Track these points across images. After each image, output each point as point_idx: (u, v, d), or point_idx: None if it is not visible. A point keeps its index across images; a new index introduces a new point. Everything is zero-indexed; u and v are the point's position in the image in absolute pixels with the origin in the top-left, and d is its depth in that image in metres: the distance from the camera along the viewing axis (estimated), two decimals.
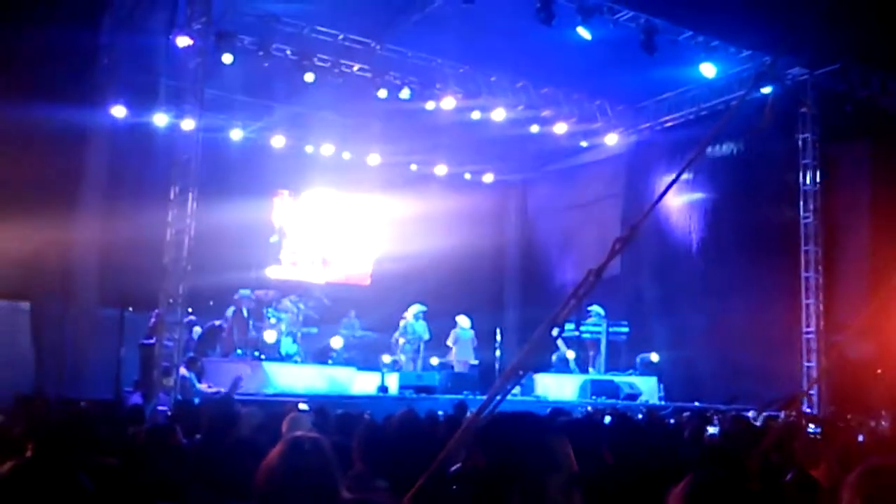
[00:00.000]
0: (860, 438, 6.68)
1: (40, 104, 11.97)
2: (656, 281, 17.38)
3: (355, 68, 15.26)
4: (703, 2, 12.88)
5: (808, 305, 14.95)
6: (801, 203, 15.15)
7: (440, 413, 8.15)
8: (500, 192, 21.72)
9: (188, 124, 12.06)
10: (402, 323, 16.42)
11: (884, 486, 2.43)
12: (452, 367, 15.98)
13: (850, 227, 14.98)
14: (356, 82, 15.38)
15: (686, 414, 11.11)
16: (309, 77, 14.74)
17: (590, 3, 12.94)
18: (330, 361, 15.32)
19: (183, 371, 11.76)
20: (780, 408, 12.11)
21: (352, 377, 14.46)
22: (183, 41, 12.48)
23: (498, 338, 16.63)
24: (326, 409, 7.89)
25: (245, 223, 16.66)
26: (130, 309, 14.47)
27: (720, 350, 15.42)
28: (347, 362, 15.40)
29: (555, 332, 2.07)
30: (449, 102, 16.08)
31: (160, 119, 15.34)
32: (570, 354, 16.48)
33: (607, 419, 7.34)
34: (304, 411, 7.13)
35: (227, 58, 13.66)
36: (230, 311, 14.84)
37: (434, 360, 16.29)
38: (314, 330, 15.94)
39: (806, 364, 14.74)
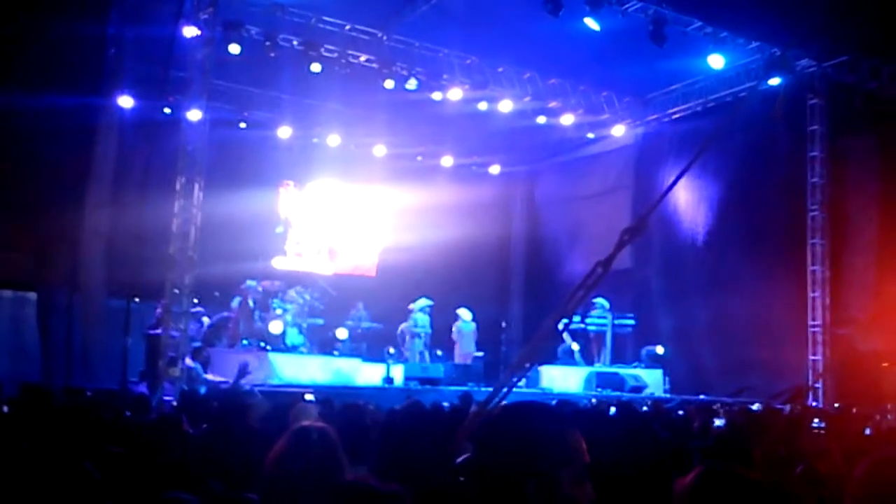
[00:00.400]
0: (867, 432, 6.66)
1: (48, 95, 12.00)
2: (663, 273, 17.35)
3: (362, 59, 15.24)
4: None
5: (814, 299, 14.90)
6: (809, 196, 15.10)
7: (445, 404, 8.16)
8: (507, 184, 21.69)
9: (195, 115, 12.07)
10: (410, 315, 16.47)
11: (890, 478, 2.42)
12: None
13: (857, 221, 14.90)
14: (363, 73, 15.35)
15: (690, 407, 11.10)
16: (315, 67, 14.71)
17: None
18: (335, 352, 15.35)
19: (189, 361, 11.80)
20: (785, 401, 12.13)
21: (357, 368, 14.49)
22: (190, 32, 12.49)
23: (503, 329, 16.63)
24: (331, 399, 7.90)
25: (251, 214, 16.69)
26: (137, 299, 14.49)
27: (726, 343, 15.40)
28: (353, 353, 15.42)
29: (562, 323, 2.06)
30: (455, 93, 16.04)
31: (167, 110, 15.33)
32: (576, 347, 16.48)
33: (612, 410, 7.33)
34: (310, 402, 7.13)
35: (234, 48, 13.65)
36: (236, 302, 14.87)
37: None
38: (320, 321, 15.97)
39: (812, 357, 14.71)
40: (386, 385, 13.95)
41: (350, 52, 15.04)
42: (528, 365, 2.07)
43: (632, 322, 16.85)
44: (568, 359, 16.28)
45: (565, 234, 19.82)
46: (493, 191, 21.03)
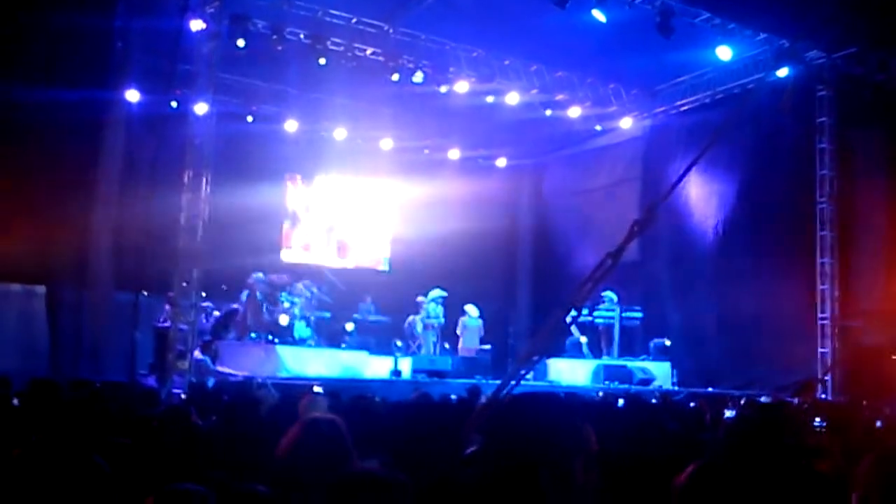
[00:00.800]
0: (878, 425, 6.63)
1: (55, 88, 12.00)
2: (671, 266, 17.31)
3: (368, 52, 15.22)
4: None
5: (822, 291, 14.87)
6: (817, 188, 15.04)
7: (453, 397, 8.17)
8: (514, 177, 21.65)
9: (201, 108, 12.09)
10: (423, 305, 16.45)
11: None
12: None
13: (866, 213, 14.84)
14: (369, 66, 15.32)
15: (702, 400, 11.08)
16: (322, 61, 14.70)
17: None
18: (343, 345, 15.38)
19: (197, 354, 11.84)
20: (794, 394, 12.09)
21: (365, 361, 14.51)
22: (196, 25, 12.49)
23: (510, 322, 16.63)
24: (339, 392, 7.92)
25: (258, 207, 16.72)
26: (145, 293, 14.53)
27: (734, 336, 15.35)
28: (360, 346, 15.46)
29: (570, 316, 2.06)
30: (462, 86, 16.01)
31: (174, 103, 15.34)
32: (584, 339, 16.48)
33: (620, 402, 7.33)
34: (318, 394, 7.15)
35: (241, 42, 13.65)
36: (244, 295, 14.90)
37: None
38: (327, 314, 16.00)
39: (820, 350, 14.68)
40: (394, 378, 13.99)
41: (356, 45, 15.02)
42: (535, 357, 2.08)
43: (640, 315, 16.81)
44: (576, 352, 16.28)
45: (572, 227, 19.77)
46: (500, 184, 21.00)
